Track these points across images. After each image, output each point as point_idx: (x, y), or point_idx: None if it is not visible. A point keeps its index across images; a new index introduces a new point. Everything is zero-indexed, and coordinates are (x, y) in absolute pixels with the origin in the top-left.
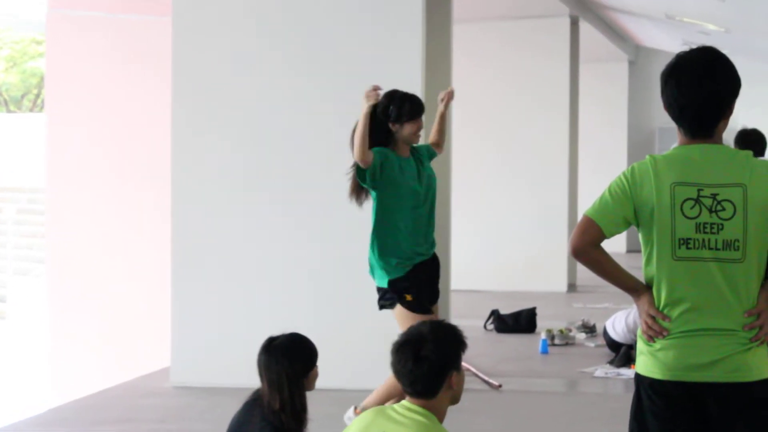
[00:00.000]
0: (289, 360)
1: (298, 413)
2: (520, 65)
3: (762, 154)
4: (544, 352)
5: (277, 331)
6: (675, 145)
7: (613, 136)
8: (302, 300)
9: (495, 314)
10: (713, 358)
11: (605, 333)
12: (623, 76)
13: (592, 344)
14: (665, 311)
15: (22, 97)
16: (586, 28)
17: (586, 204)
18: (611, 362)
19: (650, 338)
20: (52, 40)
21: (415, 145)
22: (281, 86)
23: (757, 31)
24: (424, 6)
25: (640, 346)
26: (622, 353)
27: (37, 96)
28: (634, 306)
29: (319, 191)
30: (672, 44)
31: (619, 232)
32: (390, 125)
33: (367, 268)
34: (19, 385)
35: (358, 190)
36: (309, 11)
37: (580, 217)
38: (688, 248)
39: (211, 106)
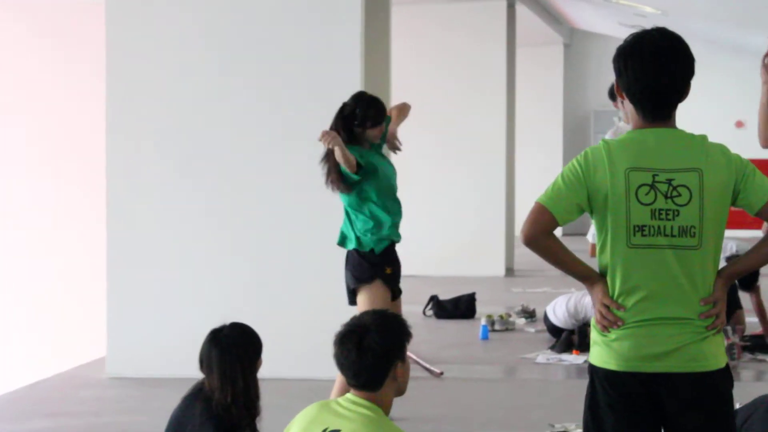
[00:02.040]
0: (243, 350)
1: (253, 402)
2: (457, 48)
3: None
4: (485, 338)
5: (216, 320)
6: (616, 128)
7: (549, 120)
8: (241, 288)
9: (434, 300)
10: (669, 348)
11: (546, 318)
12: (559, 59)
13: (532, 329)
14: (620, 300)
15: None
16: (522, 11)
17: (523, 188)
18: (552, 347)
19: (604, 328)
20: None
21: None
22: (217, 72)
23: (695, 14)
24: None
25: (594, 336)
26: (563, 338)
27: None
28: (575, 290)
29: (260, 177)
30: (607, 27)
31: (572, 220)
32: (354, 127)
33: (305, 254)
34: None
35: (338, 181)
36: None
37: (517, 200)
38: (643, 235)
39: (147, 92)
